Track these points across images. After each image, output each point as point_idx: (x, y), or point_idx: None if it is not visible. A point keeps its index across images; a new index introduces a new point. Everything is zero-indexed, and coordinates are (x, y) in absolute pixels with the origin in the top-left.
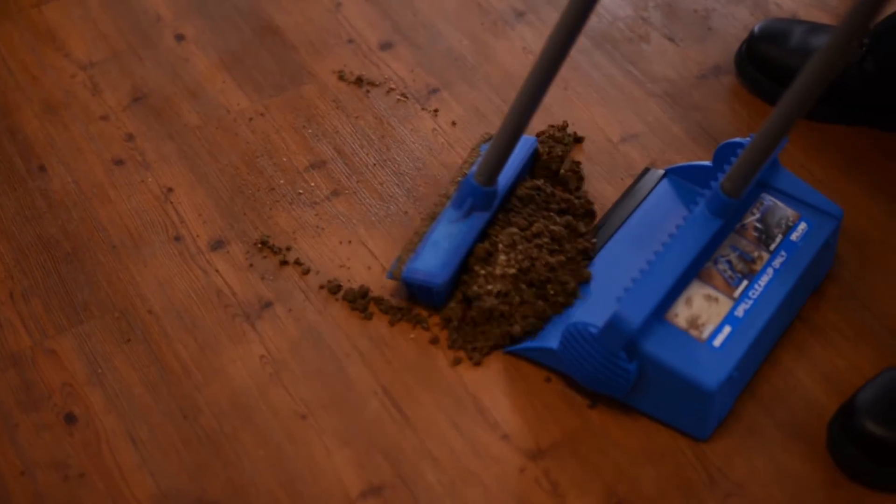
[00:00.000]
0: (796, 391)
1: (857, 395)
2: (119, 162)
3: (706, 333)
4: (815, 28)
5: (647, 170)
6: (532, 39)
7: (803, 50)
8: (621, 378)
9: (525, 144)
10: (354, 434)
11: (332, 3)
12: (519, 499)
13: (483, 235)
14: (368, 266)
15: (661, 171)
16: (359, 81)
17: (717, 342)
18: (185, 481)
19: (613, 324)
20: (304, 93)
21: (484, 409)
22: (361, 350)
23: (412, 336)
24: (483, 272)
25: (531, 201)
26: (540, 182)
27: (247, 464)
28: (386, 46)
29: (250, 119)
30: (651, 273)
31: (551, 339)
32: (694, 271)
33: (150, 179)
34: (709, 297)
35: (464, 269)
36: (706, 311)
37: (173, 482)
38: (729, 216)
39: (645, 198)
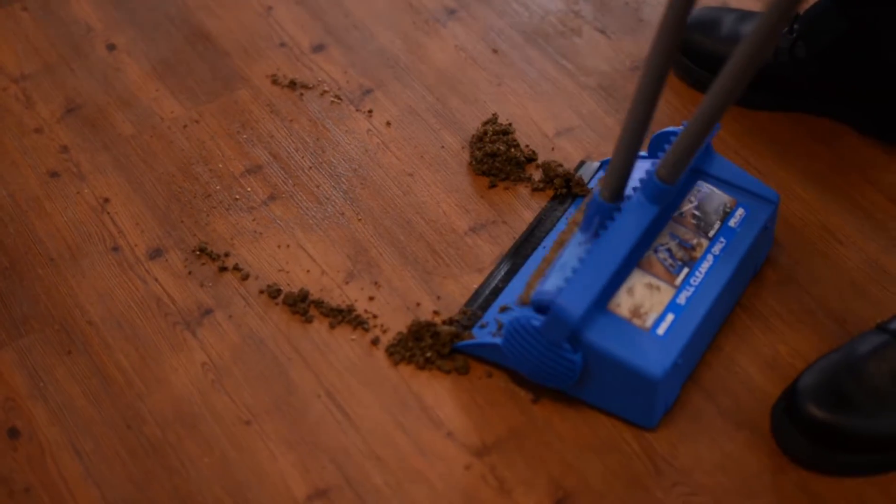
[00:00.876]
0: (739, 378)
1: (798, 379)
2: (54, 174)
3: (649, 322)
4: (745, 16)
5: (582, 162)
6: (464, 37)
7: (734, 38)
8: (567, 369)
9: None
10: (299, 438)
11: (263, 6)
12: (466, 496)
13: None
14: (307, 269)
15: (597, 164)
16: (292, 85)
17: (661, 330)
18: (131, 491)
19: (556, 315)
20: (237, 98)
21: (427, 408)
22: (303, 353)
23: (353, 338)
24: None
25: None
26: None
27: (192, 472)
28: (318, 49)
29: (184, 126)
30: (590, 262)
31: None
32: (634, 260)
33: (86, 191)
34: (650, 286)
35: None
36: (648, 300)
37: (119, 493)
38: (666, 203)
39: None
